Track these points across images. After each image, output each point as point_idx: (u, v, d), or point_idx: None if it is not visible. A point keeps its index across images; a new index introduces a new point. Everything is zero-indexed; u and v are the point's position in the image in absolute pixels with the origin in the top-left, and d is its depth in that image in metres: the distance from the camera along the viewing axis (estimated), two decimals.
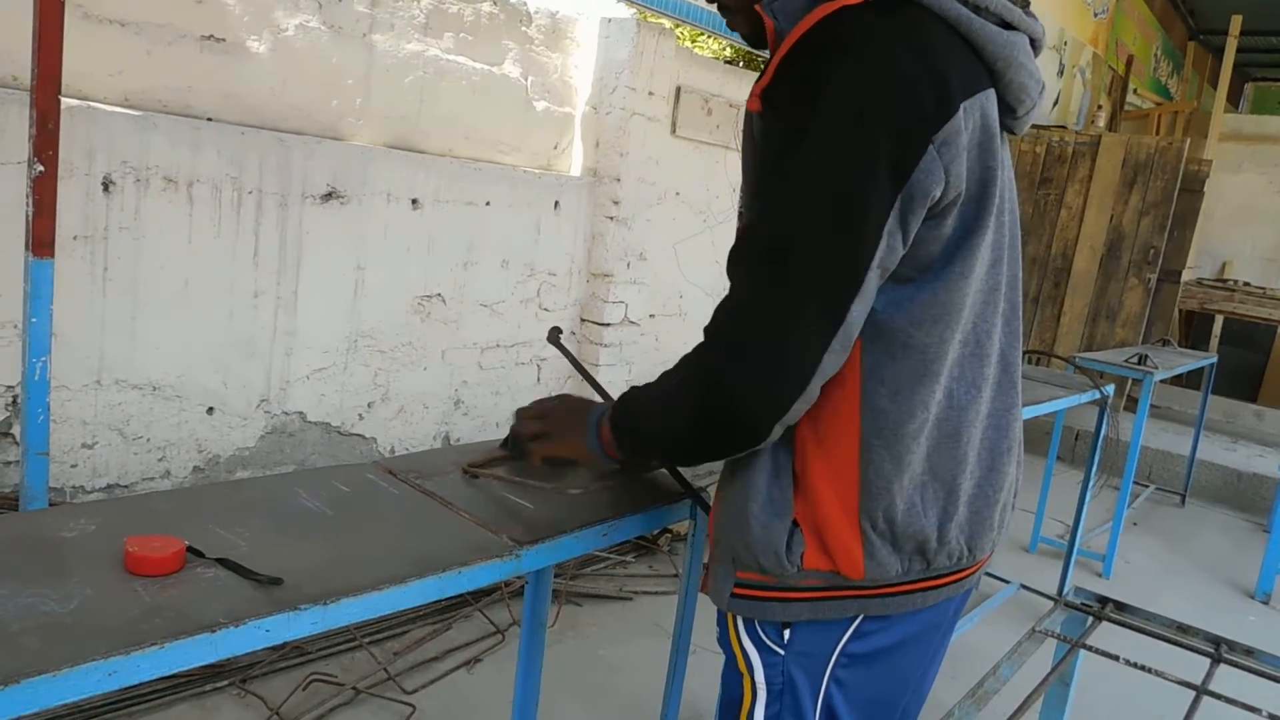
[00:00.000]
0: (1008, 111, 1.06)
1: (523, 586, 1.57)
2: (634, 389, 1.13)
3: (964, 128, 0.95)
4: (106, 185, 2.38)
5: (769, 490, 1.04)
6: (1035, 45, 1.10)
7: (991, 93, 1.01)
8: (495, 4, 3.37)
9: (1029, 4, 1.09)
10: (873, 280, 0.94)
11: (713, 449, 1.04)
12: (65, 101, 2.02)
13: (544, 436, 1.25)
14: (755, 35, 1.10)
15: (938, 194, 0.94)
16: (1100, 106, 8.35)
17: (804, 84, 0.94)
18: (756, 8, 1.03)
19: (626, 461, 1.19)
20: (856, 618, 1.06)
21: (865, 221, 0.92)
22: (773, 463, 1.04)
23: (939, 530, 1.04)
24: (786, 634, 1.06)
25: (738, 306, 0.98)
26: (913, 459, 1.01)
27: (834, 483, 1.02)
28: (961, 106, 0.94)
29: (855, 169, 0.91)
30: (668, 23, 4.02)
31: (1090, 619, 1.86)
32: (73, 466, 2.47)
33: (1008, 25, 1.03)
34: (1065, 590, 2.01)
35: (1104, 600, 1.92)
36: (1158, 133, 8.65)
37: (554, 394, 1.33)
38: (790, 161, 0.94)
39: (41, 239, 1.96)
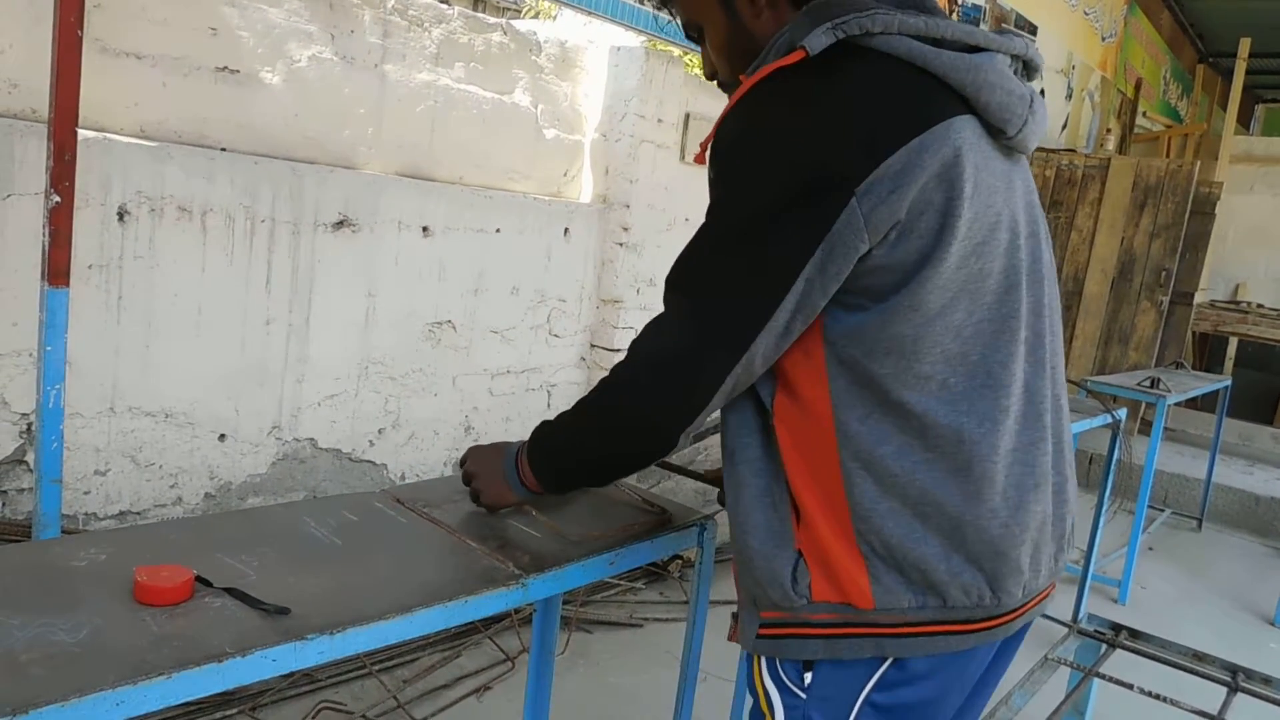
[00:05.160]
0: (998, 133, 1.04)
1: (533, 613, 1.56)
2: (546, 420, 1.21)
3: (906, 166, 0.95)
4: (122, 215, 2.41)
5: (767, 523, 1.05)
6: (1027, 65, 1.10)
7: (962, 120, 0.99)
8: (505, 34, 3.41)
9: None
10: (783, 319, 0.99)
11: (622, 455, 1.13)
12: (82, 133, 2.05)
13: (478, 491, 1.28)
14: None
15: (863, 248, 0.96)
16: (1109, 129, 8.35)
17: (732, 141, 1.01)
18: (741, 77, 1.05)
19: (549, 492, 1.23)
20: (879, 666, 1.03)
21: (778, 268, 0.98)
22: (768, 495, 1.06)
23: (946, 561, 1.01)
24: (808, 677, 1.05)
25: (658, 327, 1.07)
26: (900, 483, 1.00)
27: (825, 506, 1.02)
28: (903, 147, 0.95)
29: (771, 219, 0.97)
30: (676, 51, 4.06)
31: (1104, 646, 1.85)
32: (85, 493, 2.48)
33: (975, 48, 1.03)
34: (1080, 617, 1.99)
35: (1118, 628, 1.90)
36: (1168, 155, 8.65)
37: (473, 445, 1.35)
38: (717, 207, 1.03)
39: (57, 269, 1.99)
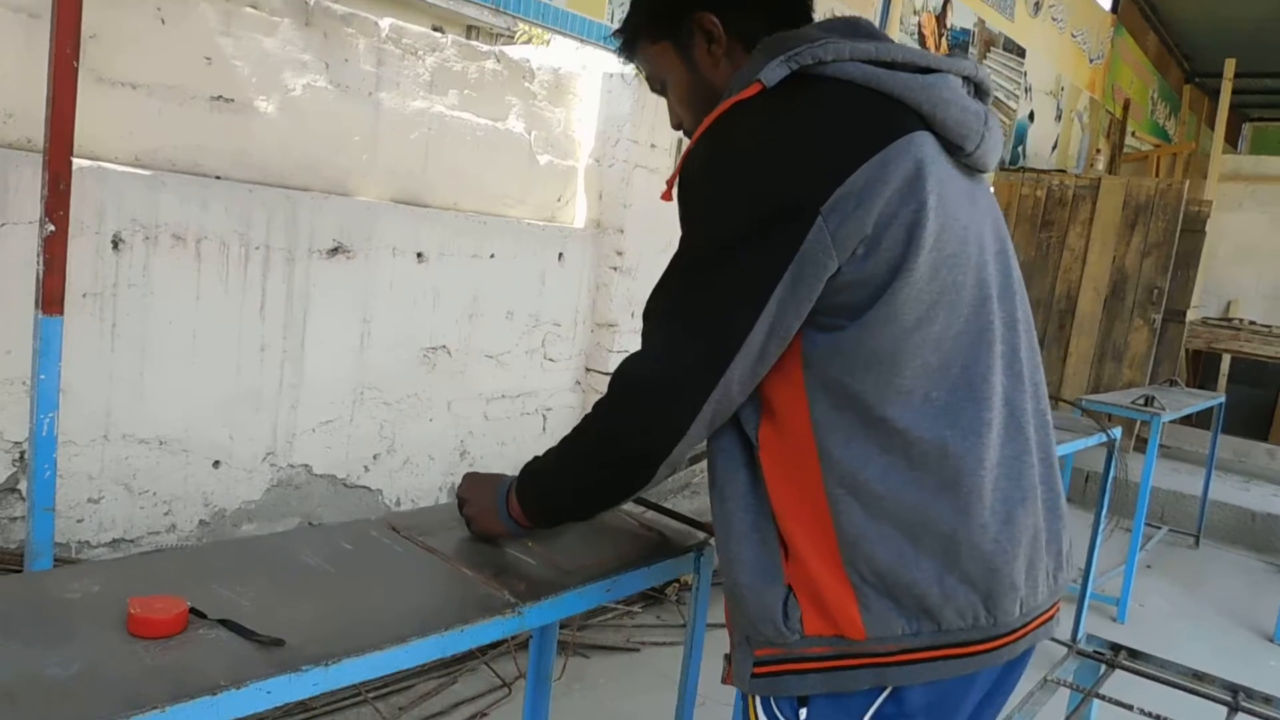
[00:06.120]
0: (957, 150, 1.06)
1: (530, 638, 1.56)
2: (535, 456, 1.20)
3: (870, 181, 0.96)
4: (116, 243, 2.41)
5: (756, 558, 1.04)
6: (978, 87, 1.12)
7: (919, 136, 1.02)
8: (499, 61, 3.44)
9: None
10: (757, 341, 1.00)
11: (605, 487, 1.13)
12: (77, 162, 2.06)
13: (469, 519, 1.28)
14: None
15: (832, 265, 0.97)
16: (1099, 149, 8.41)
17: (696, 174, 1.03)
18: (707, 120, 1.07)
19: (537, 527, 1.23)
20: (875, 698, 1.02)
21: (749, 292, 0.99)
22: (756, 530, 1.05)
23: (940, 584, 0.99)
24: (803, 712, 1.04)
25: (635, 357, 1.07)
26: (888, 505, 0.99)
27: (812, 537, 1.01)
28: (865, 163, 0.97)
29: (739, 245, 0.99)
30: None
31: (1104, 667, 1.84)
32: (78, 521, 2.47)
33: (926, 69, 1.05)
34: (1078, 637, 1.98)
35: (1117, 648, 1.90)
36: (1157, 174, 8.71)
37: (469, 471, 1.36)
38: (686, 238, 1.05)
39: (51, 297, 1.99)
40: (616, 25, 1.23)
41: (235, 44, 2.67)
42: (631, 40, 1.24)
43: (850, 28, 1.08)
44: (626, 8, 1.26)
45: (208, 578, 1.06)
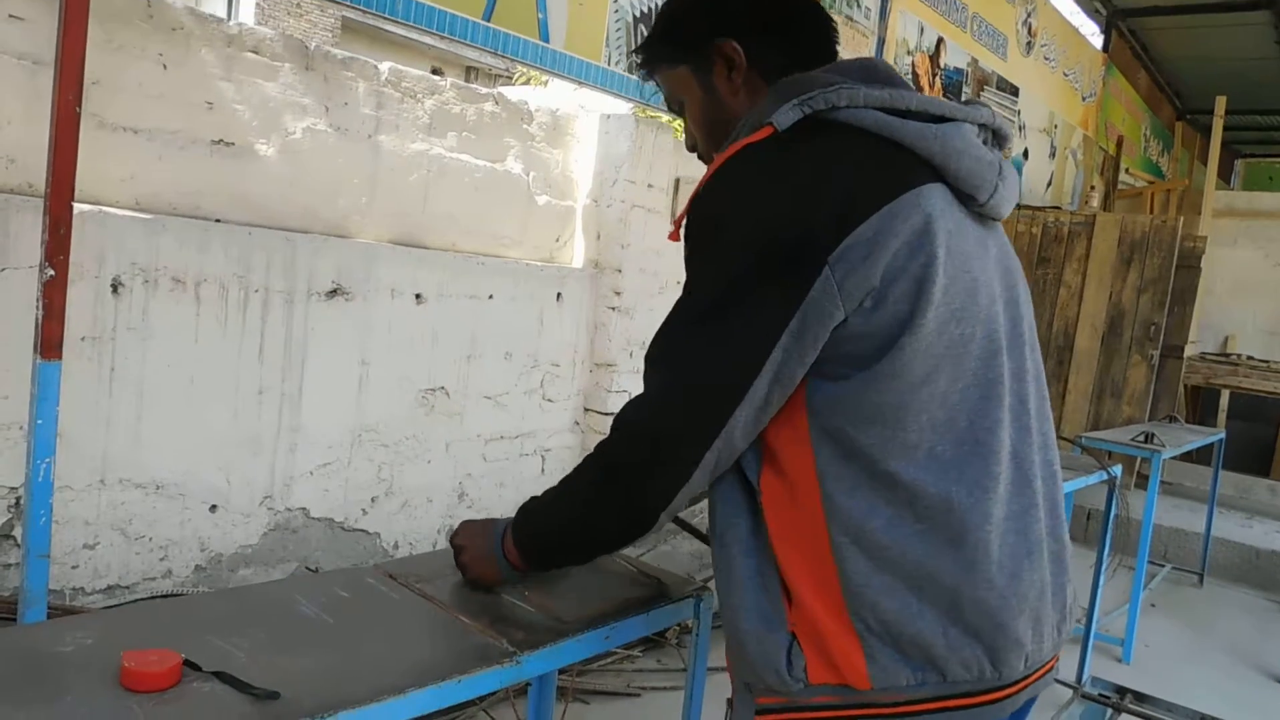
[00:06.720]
0: (969, 200, 1.06)
1: (527, 685, 1.54)
2: (532, 497, 1.18)
3: (878, 233, 0.96)
4: (115, 287, 2.42)
5: (758, 604, 1.03)
6: (997, 134, 1.11)
7: (932, 187, 1.01)
8: (497, 103, 3.47)
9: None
10: (761, 390, 0.98)
11: (603, 533, 1.11)
12: (78, 206, 2.07)
13: (464, 565, 1.26)
14: None
15: (839, 315, 0.96)
16: (1093, 187, 8.48)
17: (705, 216, 1.03)
18: (715, 154, 1.07)
19: (533, 570, 1.21)
20: None
21: (754, 340, 0.98)
22: (758, 575, 1.04)
23: (944, 636, 0.98)
24: None
25: (637, 402, 1.06)
26: (893, 557, 0.98)
27: (816, 584, 1.00)
28: (874, 214, 0.96)
29: (745, 292, 0.98)
30: (665, 118, 4.13)
31: (1110, 711, 1.81)
32: (73, 568, 2.45)
33: (941, 118, 1.04)
34: (1084, 679, 1.96)
35: (1123, 691, 1.88)
36: (1151, 210, 8.77)
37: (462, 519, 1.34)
38: (692, 281, 1.03)
39: (50, 342, 1.99)
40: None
41: (236, 89, 2.70)
42: (651, 59, 1.23)
43: (866, 72, 1.07)
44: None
45: (203, 628, 1.05)
